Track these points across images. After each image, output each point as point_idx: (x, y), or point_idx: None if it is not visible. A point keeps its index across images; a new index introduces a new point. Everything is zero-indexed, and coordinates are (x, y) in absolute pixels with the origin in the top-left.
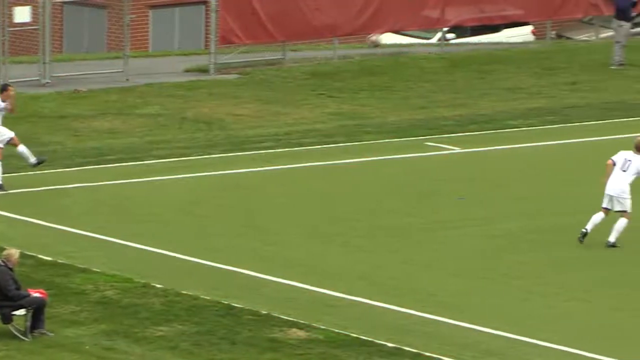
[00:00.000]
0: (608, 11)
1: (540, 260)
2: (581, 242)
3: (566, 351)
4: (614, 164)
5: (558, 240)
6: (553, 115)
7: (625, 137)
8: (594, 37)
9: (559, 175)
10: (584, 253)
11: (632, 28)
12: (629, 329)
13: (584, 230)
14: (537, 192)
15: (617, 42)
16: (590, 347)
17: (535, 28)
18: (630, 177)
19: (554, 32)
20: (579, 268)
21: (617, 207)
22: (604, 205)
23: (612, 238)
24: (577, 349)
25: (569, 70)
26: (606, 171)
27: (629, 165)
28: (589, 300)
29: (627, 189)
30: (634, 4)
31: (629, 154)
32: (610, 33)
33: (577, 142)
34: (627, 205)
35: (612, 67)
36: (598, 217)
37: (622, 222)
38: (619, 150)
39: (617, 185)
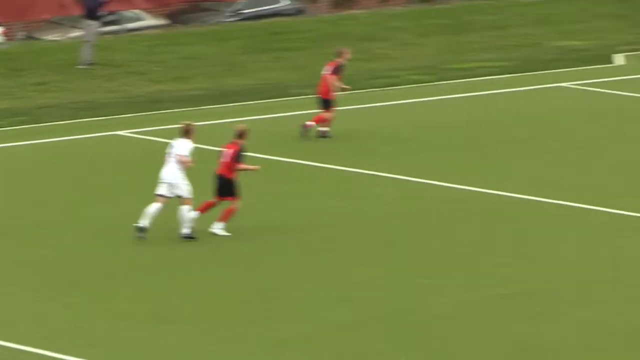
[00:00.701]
0: (77, 11)
1: None
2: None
3: None
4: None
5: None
6: (23, 116)
7: (95, 136)
8: (63, 37)
9: (29, 176)
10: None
11: (101, 27)
12: (59, 319)
13: (141, 225)
14: (4, 194)
15: (87, 41)
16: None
17: (6, 29)
18: (175, 160)
19: (24, 33)
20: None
21: (176, 191)
22: (159, 192)
23: (185, 230)
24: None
25: (37, 70)
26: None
27: (173, 150)
28: (13, 294)
29: (179, 173)
30: (102, 4)
31: (175, 141)
32: (80, 33)
33: (47, 142)
34: (184, 190)
35: (80, 67)
36: (154, 207)
37: (184, 211)
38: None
39: (169, 172)
